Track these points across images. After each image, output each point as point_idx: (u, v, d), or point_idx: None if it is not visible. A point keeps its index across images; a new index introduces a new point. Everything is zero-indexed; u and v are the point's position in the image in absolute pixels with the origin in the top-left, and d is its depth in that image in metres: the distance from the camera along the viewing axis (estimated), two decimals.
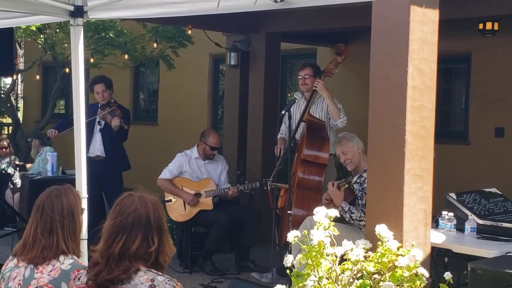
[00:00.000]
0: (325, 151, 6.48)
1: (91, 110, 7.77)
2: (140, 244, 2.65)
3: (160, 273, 2.67)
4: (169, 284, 2.65)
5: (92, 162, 7.57)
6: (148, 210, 2.70)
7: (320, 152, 6.46)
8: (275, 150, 6.88)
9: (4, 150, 9.99)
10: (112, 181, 7.59)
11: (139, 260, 2.65)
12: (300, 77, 6.91)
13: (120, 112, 7.64)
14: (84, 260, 4.06)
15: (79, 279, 2.79)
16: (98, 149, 7.69)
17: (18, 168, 9.79)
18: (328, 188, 5.69)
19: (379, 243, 4.27)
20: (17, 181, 9.42)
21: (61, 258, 3.10)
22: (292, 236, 4.37)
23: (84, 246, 4.23)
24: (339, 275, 4.19)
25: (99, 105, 7.80)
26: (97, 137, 7.69)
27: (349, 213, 5.47)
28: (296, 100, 6.57)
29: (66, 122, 7.84)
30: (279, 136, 7.05)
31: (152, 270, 2.66)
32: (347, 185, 5.65)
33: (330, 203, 5.57)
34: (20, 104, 15.25)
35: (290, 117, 6.07)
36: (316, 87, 6.68)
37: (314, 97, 6.81)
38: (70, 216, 3.16)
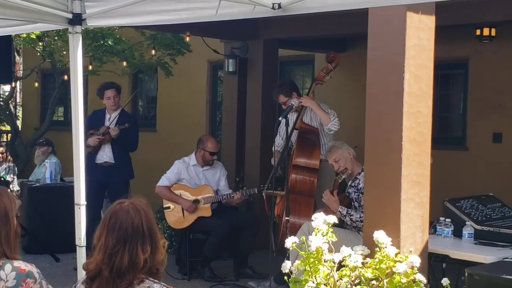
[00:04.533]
0: (315, 156, 6.52)
1: (96, 116, 7.75)
2: (141, 254, 2.61)
3: (156, 281, 2.66)
4: None
5: (98, 168, 7.59)
6: (141, 218, 2.66)
7: (310, 157, 6.49)
8: (272, 161, 6.85)
9: (0, 155, 9.99)
10: (118, 188, 7.49)
11: (141, 270, 2.63)
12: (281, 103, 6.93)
13: (107, 127, 7.60)
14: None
15: None
16: (106, 155, 7.63)
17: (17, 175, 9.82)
18: (324, 197, 5.68)
19: (377, 249, 4.28)
20: (16, 188, 9.44)
21: (2, 274, 2.88)
22: (290, 242, 4.38)
23: (82, 253, 4.24)
24: (337, 281, 4.20)
25: (105, 112, 7.74)
26: (106, 144, 7.64)
27: (348, 216, 5.50)
28: (294, 107, 6.59)
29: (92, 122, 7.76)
30: (274, 148, 6.98)
31: (148, 278, 2.65)
32: (344, 177, 5.70)
33: (327, 209, 5.58)
34: (19, 112, 15.26)
35: (287, 124, 6.08)
36: (301, 102, 6.71)
37: (305, 109, 6.83)
38: (3, 219, 2.98)
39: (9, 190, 9.26)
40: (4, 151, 10.19)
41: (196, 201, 7.23)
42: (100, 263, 2.63)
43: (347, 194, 5.72)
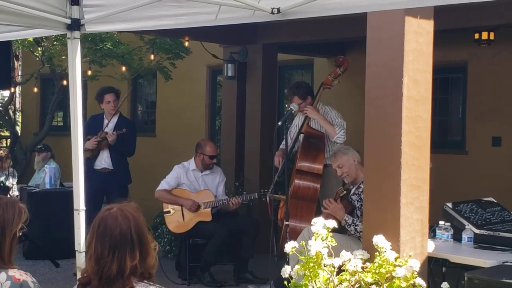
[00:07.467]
0: (319, 161, 6.49)
1: (94, 122, 7.74)
2: (129, 262, 2.59)
3: (152, 283, 2.65)
4: None
5: (97, 174, 7.58)
6: (130, 225, 2.63)
7: (314, 162, 6.47)
8: (275, 161, 6.85)
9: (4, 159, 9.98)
10: (117, 194, 7.47)
11: (130, 276, 2.61)
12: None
13: (104, 132, 7.61)
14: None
15: None
16: (105, 161, 7.65)
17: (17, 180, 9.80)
18: (326, 205, 5.61)
19: (377, 253, 4.28)
20: (15, 193, 9.43)
21: None
22: (289, 247, 4.38)
23: (82, 259, 4.22)
24: (337, 286, 4.20)
25: (104, 117, 7.75)
26: (105, 150, 7.65)
27: (353, 225, 5.44)
28: (293, 112, 6.58)
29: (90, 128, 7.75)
30: (280, 147, 6.99)
31: (143, 281, 2.64)
32: (345, 192, 5.64)
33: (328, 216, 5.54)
34: (19, 117, 15.25)
35: (286, 129, 6.07)
36: (306, 112, 6.68)
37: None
38: None
39: (8, 195, 9.33)
40: (5, 156, 10.16)
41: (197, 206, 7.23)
42: (90, 271, 2.61)
43: (350, 200, 5.68)
